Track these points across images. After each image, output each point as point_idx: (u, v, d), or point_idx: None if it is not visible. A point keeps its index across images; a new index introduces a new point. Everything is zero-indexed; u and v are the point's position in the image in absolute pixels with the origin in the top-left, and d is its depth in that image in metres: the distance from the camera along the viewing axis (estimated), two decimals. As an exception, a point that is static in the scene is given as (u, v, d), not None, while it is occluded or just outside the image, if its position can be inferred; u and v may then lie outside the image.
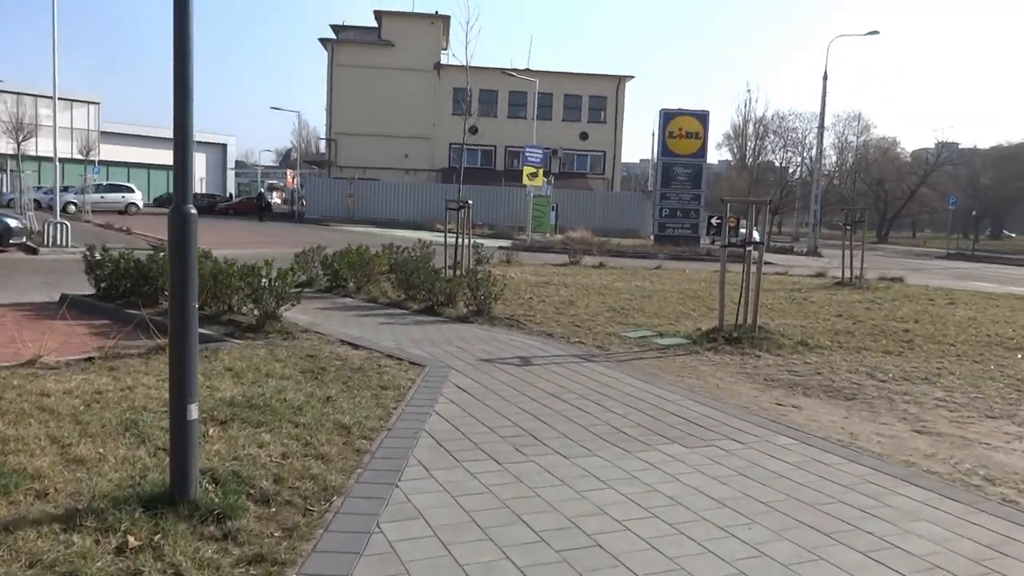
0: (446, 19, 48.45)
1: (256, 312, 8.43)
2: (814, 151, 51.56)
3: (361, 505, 3.69)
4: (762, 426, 5.43)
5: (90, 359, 6.45)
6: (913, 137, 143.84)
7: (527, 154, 31.55)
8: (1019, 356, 8.72)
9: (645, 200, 42.82)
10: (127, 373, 5.94)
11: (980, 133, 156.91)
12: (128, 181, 50.69)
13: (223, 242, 22.18)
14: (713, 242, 31.84)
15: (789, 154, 71.44)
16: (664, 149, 32.13)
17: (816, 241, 37.10)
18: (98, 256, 10.38)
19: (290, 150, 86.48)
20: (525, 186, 32.26)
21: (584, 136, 51.55)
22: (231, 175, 76.16)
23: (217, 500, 3.43)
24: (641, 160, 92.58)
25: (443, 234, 12.99)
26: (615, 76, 51.79)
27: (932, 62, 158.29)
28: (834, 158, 69.80)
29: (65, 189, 40.74)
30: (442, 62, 49.85)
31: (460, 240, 12.28)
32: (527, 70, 46.15)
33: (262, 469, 3.99)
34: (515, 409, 5.61)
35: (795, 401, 6.36)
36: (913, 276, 20.41)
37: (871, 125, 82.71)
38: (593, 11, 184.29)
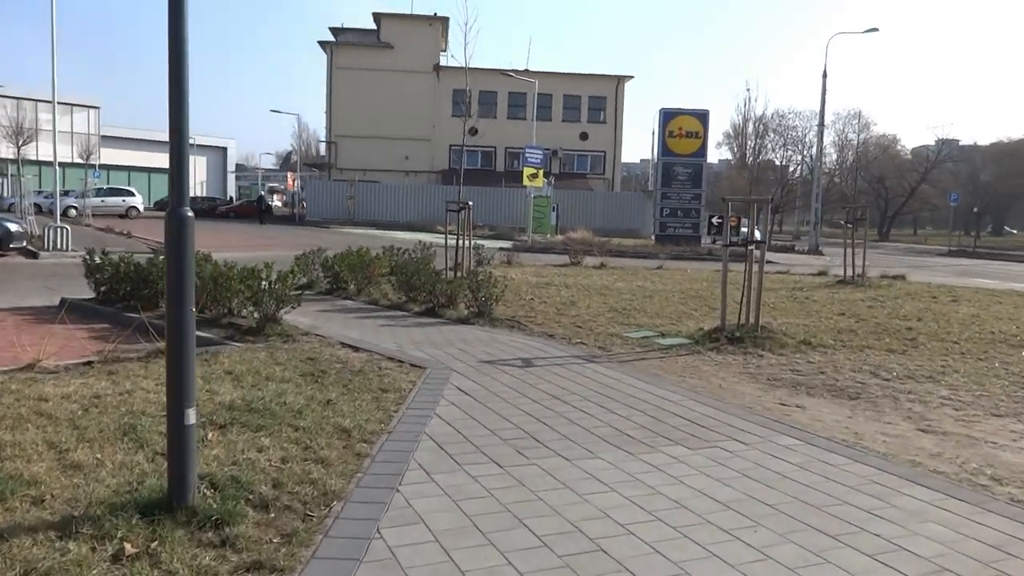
0: (445, 21, 48.48)
1: (256, 315, 8.39)
2: (814, 149, 51.52)
3: (361, 510, 3.65)
4: (766, 426, 5.39)
5: (89, 363, 6.41)
6: (913, 134, 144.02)
7: (527, 155, 31.52)
8: (1023, 353, 8.67)
9: (646, 200, 42.77)
10: (126, 377, 5.91)
11: (980, 130, 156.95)
12: (129, 185, 50.71)
13: (223, 245, 22.16)
14: (714, 241, 31.77)
15: (789, 152, 71.44)
16: (664, 149, 32.08)
17: (817, 239, 37.06)
18: (98, 260, 10.36)
19: (290, 153, 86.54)
20: (525, 187, 32.22)
21: (584, 136, 51.51)
22: (231, 178, 76.17)
23: (215, 506, 3.39)
24: (641, 160, 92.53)
25: (444, 236, 12.95)
26: (614, 76, 51.75)
27: (931, 59, 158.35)
28: (834, 156, 69.78)
29: (66, 193, 40.77)
30: (441, 64, 49.84)
31: (461, 242, 12.25)
32: (526, 71, 46.11)
33: (261, 474, 3.95)
34: (516, 411, 5.57)
35: (799, 401, 6.32)
36: (915, 273, 20.36)
37: (871, 123, 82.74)
38: (592, 11, 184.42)
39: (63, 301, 10.23)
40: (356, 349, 7.55)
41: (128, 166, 61.66)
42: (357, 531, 3.41)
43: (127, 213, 41.60)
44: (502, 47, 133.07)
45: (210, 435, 4.47)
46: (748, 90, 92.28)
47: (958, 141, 75.90)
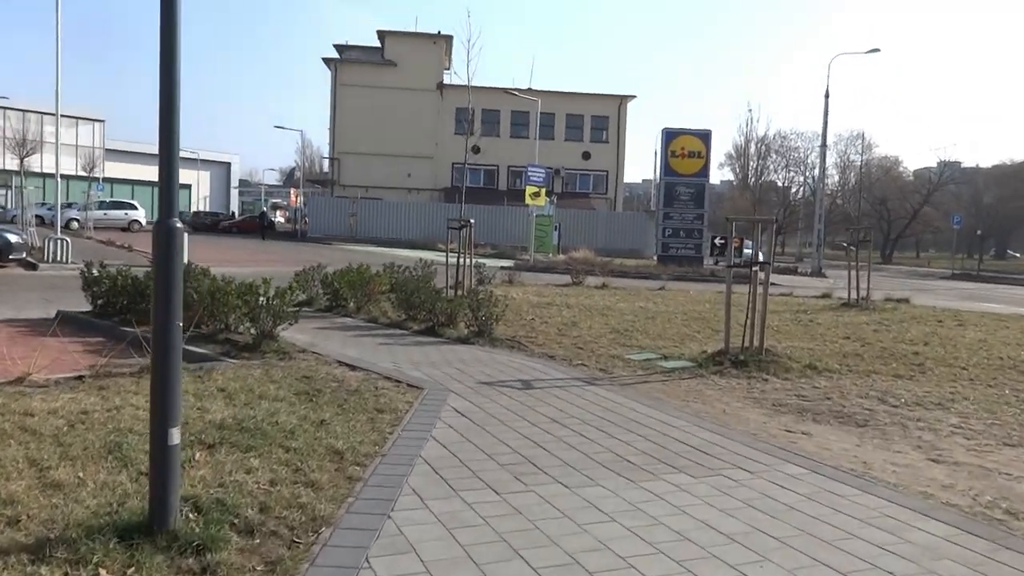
0: (449, 39, 48.72)
1: (253, 331, 8.27)
2: (816, 170, 51.54)
3: (350, 537, 3.50)
4: (771, 454, 5.23)
5: (80, 377, 6.28)
6: (915, 156, 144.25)
7: (529, 173, 31.54)
8: (1033, 381, 8.51)
9: (648, 220, 42.76)
10: (116, 393, 5.77)
11: (982, 152, 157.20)
12: (132, 198, 50.80)
13: (224, 260, 22.08)
14: (716, 262, 31.67)
15: (791, 173, 71.46)
16: (667, 168, 32.06)
17: (820, 261, 36.95)
18: (95, 272, 10.27)
19: (294, 169, 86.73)
20: (527, 206, 32.19)
21: (586, 156, 51.63)
22: (235, 194, 76.38)
23: (198, 530, 3.24)
24: (643, 180, 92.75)
25: (445, 254, 12.85)
26: (617, 96, 51.97)
27: (933, 81, 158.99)
28: (836, 177, 69.85)
29: (69, 206, 40.87)
30: (445, 82, 50.05)
31: (462, 260, 12.14)
32: (529, 90, 46.30)
33: (248, 497, 3.80)
34: (515, 435, 5.42)
35: (805, 427, 6.16)
36: (919, 297, 20.20)
37: (873, 144, 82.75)
38: (593, 15, 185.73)
39: (59, 314, 10.12)
40: (353, 368, 7.42)
41: (132, 180, 61.85)
42: (345, 559, 3.26)
43: (129, 226, 41.60)
44: (505, 67, 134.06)
45: (197, 455, 4.33)
46: (750, 110, 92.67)
47: (960, 163, 76.01)
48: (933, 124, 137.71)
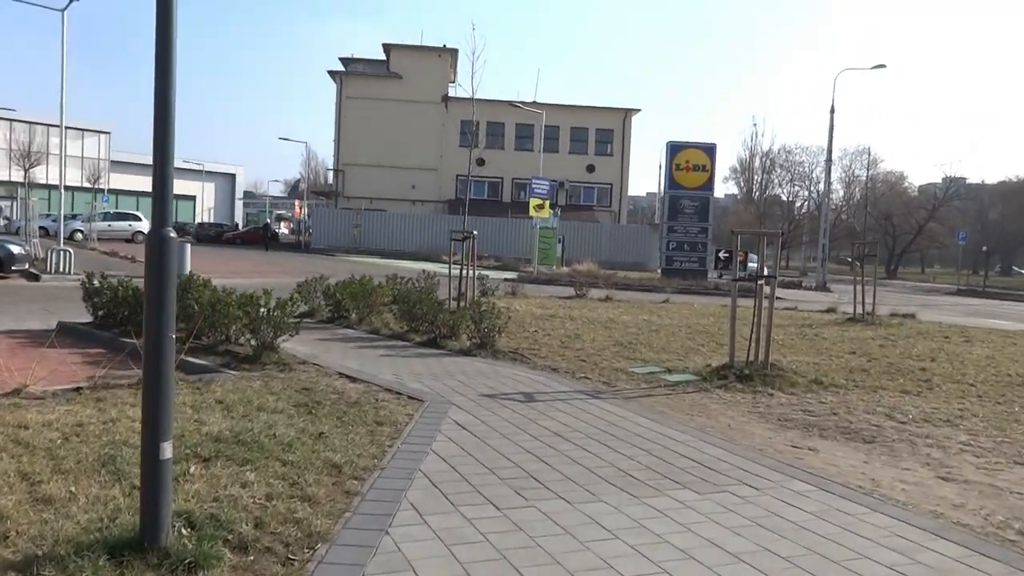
0: (454, 52, 48.90)
1: (253, 343, 8.20)
2: (821, 185, 51.44)
3: (346, 554, 3.41)
4: (778, 470, 5.13)
5: (77, 389, 6.22)
6: (920, 171, 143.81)
7: (534, 186, 31.54)
8: (1042, 397, 8.39)
9: (652, 233, 42.71)
10: (113, 405, 5.70)
11: (988, 168, 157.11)
12: (137, 210, 50.88)
13: (227, 270, 22.07)
14: (720, 276, 31.56)
15: (796, 188, 71.34)
16: (671, 182, 32.03)
17: (825, 275, 36.80)
18: (96, 283, 10.22)
19: (298, 180, 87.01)
20: (531, 218, 32.17)
21: (591, 168, 51.66)
22: (239, 205, 76.56)
23: (190, 547, 3.16)
24: (648, 193, 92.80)
25: (448, 265, 12.79)
26: (622, 109, 52.05)
27: (939, 96, 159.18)
28: (841, 192, 69.69)
29: (73, 217, 40.96)
30: (450, 94, 50.20)
31: (465, 271, 12.07)
32: (534, 102, 46.40)
33: (243, 512, 3.71)
34: (516, 449, 5.34)
35: (811, 443, 6.06)
36: (925, 312, 20.06)
37: (878, 159, 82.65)
38: (599, 41, 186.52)
39: (59, 325, 10.07)
40: (353, 380, 7.34)
41: (137, 191, 62.00)
42: (341, 578, 3.18)
43: (133, 238, 41.62)
44: (510, 80, 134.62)
45: (192, 468, 4.25)
46: (755, 125, 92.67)
47: (965, 179, 75.83)
48: (938, 140, 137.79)
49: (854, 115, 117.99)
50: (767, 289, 8.86)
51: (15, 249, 18.47)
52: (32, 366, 6.32)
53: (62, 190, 21.15)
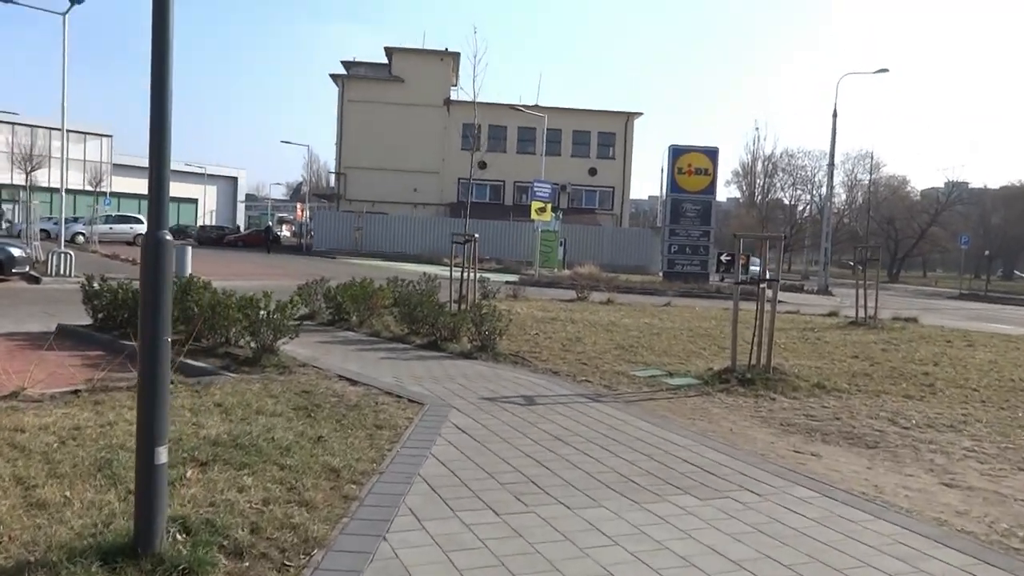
0: (456, 56, 48.95)
1: (253, 345, 8.17)
2: (823, 189, 51.40)
3: (343, 560, 3.37)
4: (780, 476, 5.09)
5: (76, 392, 6.19)
6: (923, 176, 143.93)
7: (535, 189, 31.51)
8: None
9: (654, 236, 42.67)
10: (111, 408, 5.67)
11: (990, 173, 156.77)
12: (139, 212, 50.89)
13: (228, 273, 22.05)
14: (722, 279, 31.49)
15: (798, 192, 71.30)
16: (673, 185, 32.00)
17: (827, 279, 36.72)
18: (96, 286, 10.19)
19: (301, 183, 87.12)
20: (533, 221, 32.14)
21: (593, 172, 51.63)
22: (241, 208, 76.60)
23: (185, 553, 3.12)
24: (649, 196, 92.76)
25: (449, 268, 12.76)
26: (624, 112, 52.03)
27: (942, 101, 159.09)
28: (844, 196, 69.59)
29: (75, 220, 40.96)
30: (452, 98, 50.22)
31: (466, 274, 12.04)
32: (536, 106, 46.40)
33: (239, 517, 3.68)
34: (517, 453, 5.30)
35: (814, 448, 6.01)
36: (927, 316, 20.00)
37: (880, 163, 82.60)
38: (601, 44, 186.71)
39: (58, 327, 10.05)
40: (354, 383, 7.31)
41: (139, 194, 61.90)
42: (337, 585, 3.14)
43: (135, 240, 41.59)
44: (512, 83, 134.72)
45: (189, 473, 4.21)
46: (757, 129, 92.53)
47: (968, 184, 75.72)
48: (941, 144, 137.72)
49: (857, 119, 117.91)
50: (769, 293, 8.82)
51: (15, 252, 18.46)
52: (30, 369, 6.29)
53: (63, 193, 21.15)
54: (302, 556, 3.37)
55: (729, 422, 6.75)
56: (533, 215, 31.07)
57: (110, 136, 57.01)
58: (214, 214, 69.35)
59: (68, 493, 3.82)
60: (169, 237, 3.11)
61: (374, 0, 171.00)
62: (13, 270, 18.14)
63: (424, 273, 14.36)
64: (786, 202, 71.74)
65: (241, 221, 72.83)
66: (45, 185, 39.52)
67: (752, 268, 28.92)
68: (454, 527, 3.86)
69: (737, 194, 78.63)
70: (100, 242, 34.89)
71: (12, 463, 4.27)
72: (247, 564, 3.24)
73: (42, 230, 29.08)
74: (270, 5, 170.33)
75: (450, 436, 5.62)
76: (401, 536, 3.69)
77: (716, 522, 4.16)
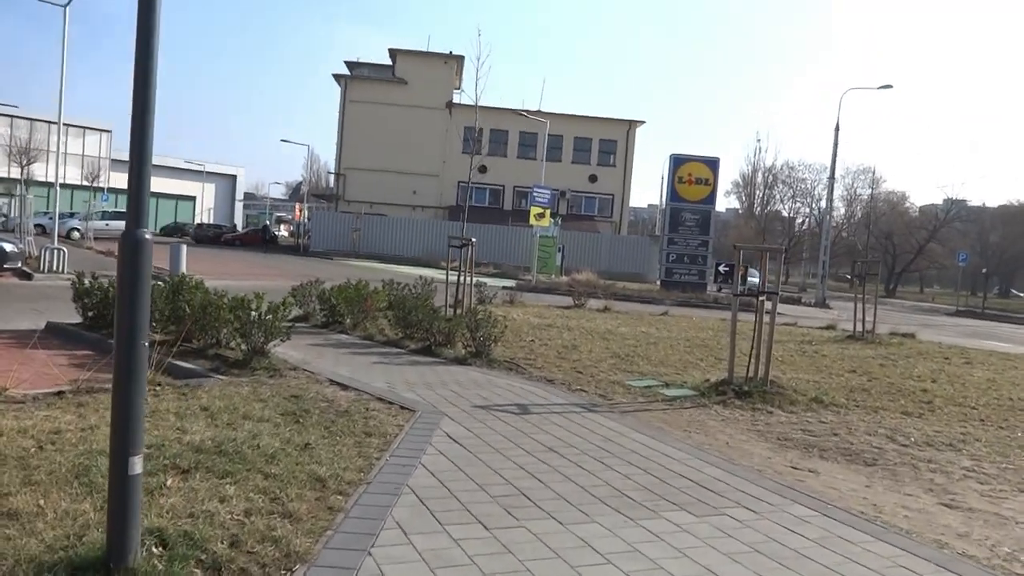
0: (460, 59, 48.88)
1: (244, 347, 8.04)
2: (823, 202, 51.35)
3: (325, 577, 3.25)
4: (777, 493, 4.97)
5: (59, 393, 6.05)
6: (922, 192, 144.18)
7: (535, 194, 31.41)
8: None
9: (652, 245, 42.60)
10: (94, 410, 5.54)
11: (989, 191, 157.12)
12: (137, 209, 50.71)
13: (223, 272, 21.93)
14: (719, 289, 31.42)
15: (798, 204, 71.29)
16: (673, 194, 31.94)
17: (824, 292, 36.67)
18: (87, 283, 10.05)
19: (300, 183, 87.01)
20: (532, 226, 32.05)
21: (593, 179, 51.58)
22: (239, 206, 76.39)
23: (160, 567, 3.00)
24: (649, 205, 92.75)
25: (446, 272, 12.64)
26: (626, 120, 51.99)
27: (942, 119, 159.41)
28: (843, 210, 69.60)
29: (71, 215, 40.79)
30: (454, 101, 50.17)
31: (462, 279, 11.93)
32: (538, 111, 46.33)
33: (219, 529, 3.55)
34: (509, 464, 5.18)
35: (811, 464, 5.90)
36: (924, 332, 19.91)
37: (880, 179, 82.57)
38: (605, 51, 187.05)
39: (47, 325, 9.91)
40: (345, 387, 7.18)
41: (138, 190, 61.86)
42: (318, 603, 3.02)
43: (132, 237, 41.43)
44: (515, 89, 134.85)
45: (170, 481, 4.08)
46: (758, 140, 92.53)
47: (966, 201, 75.74)
48: (940, 163, 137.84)
49: (858, 133, 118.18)
50: (769, 305, 8.72)
51: (8, 247, 18.29)
52: (16, 368, 6.16)
53: (57, 188, 20.98)
54: (283, 571, 3.24)
55: (726, 435, 6.63)
56: (532, 220, 30.98)
57: (109, 131, 56.80)
58: (212, 212, 69.14)
59: (42, 502, 3.68)
60: (148, 236, 2.99)
61: (387, 3, 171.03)
62: (5, 266, 17.97)
63: (420, 276, 14.24)
64: (785, 214, 71.73)
65: (239, 220, 72.58)
66: (42, 179, 39.36)
67: (751, 279, 28.90)
68: (442, 542, 3.74)
69: (736, 205, 78.71)
70: (96, 238, 34.69)
71: (-14, 468, 4.14)
72: (225, 579, 3.12)
73: (37, 225, 28.92)
74: (275, 5, 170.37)
75: (441, 445, 5.50)
76: (386, 551, 3.57)
77: (712, 541, 4.05)
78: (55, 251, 19.40)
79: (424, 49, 51.61)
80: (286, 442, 5.09)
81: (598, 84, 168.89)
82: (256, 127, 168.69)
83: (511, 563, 3.57)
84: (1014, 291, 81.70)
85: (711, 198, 32.23)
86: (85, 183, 39.86)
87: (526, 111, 44.62)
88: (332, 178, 57.93)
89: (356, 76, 52.25)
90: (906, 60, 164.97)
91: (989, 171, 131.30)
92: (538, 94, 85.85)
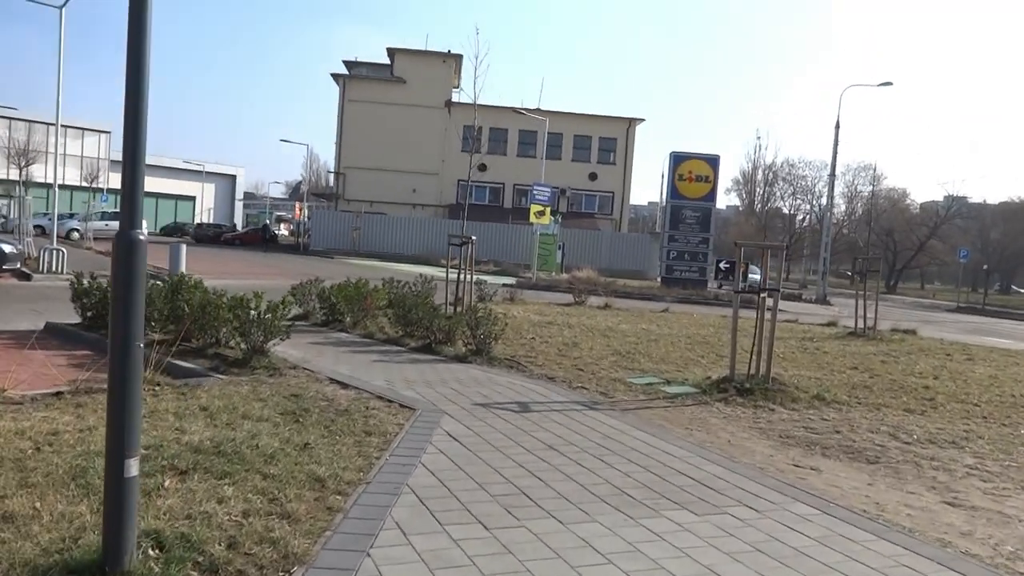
0: (458, 58, 48.82)
1: (243, 346, 8.02)
2: (823, 199, 51.30)
3: (324, 579, 3.22)
4: (779, 491, 4.94)
5: (58, 394, 6.03)
6: (922, 189, 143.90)
7: (535, 192, 31.38)
8: (1048, 418, 8.20)
9: (652, 242, 42.56)
10: (92, 411, 5.51)
11: (990, 188, 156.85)
12: (136, 209, 50.67)
13: (223, 271, 21.91)
14: (720, 286, 31.39)
15: (798, 201, 71.21)
16: (674, 191, 31.92)
17: (825, 289, 36.63)
18: (86, 283, 10.02)
19: (300, 183, 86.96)
20: (532, 224, 32.01)
21: (593, 176, 51.51)
22: (239, 206, 76.37)
23: (156, 570, 2.97)
24: (649, 202, 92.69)
25: (446, 270, 12.62)
26: (626, 118, 51.91)
27: (942, 115, 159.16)
28: (843, 207, 69.55)
29: (70, 216, 40.73)
30: (453, 100, 50.10)
31: (462, 276, 11.90)
32: (538, 110, 46.28)
33: (217, 530, 3.52)
34: (509, 463, 5.15)
35: (813, 462, 5.87)
36: (925, 328, 19.88)
37: (881, 176, 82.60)
38: (605, 49, 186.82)
39: (46, 326, 9.89)
40: (345, 386, 7.16)
41: (138, 191, 61.81)
42: (316, 605, 2.99)
43: (131, 237, 41.39)
44: (515, 87, 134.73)
45: (167, 482, 4.05)
46: (759, 138, 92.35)
47: (967, 198, 75.67)
48: (941, 159, 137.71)
49: (858, 130, 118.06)
50: (770, 302, 8.68)
51: (7, 248, 18.27)
52: (14, 369, 6.13)
53: (56, 189, 20.94)
54: (281, 573, 3.21)
55: (727, 433, 6.60)
56: (532, 218, 30.95)
57: (108, 132, 56.74)
58: (212, 212, 69.12)
59: (38, 505, 3.65)
60: (143, 237, 2.96)
61: (386, 2, 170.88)
62: (4, 266, 17.95)
63: (420, 275, 14.22)
64: (785, 211, 71.66)
65: (239, 219, 72.55)
66: (41, 181, 39.32)
67: (752, 276, 28.84)
68: (441, 542, 3.72)
69: (737, 202, 78.62)
70: (95, 239, 34.65)
71: (-17, 470, 4.11)
72: (222, 582, 3.09)
73: (37, 226, 28.89)
74: (275, 4, 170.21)
75: (441, 444, 5.47)
76: (385, 552, 3.54)
77: (714, 540, 4.02)
78: (54, 252, 19.38)
79: (422, 48, 51.57)
80: (285, 442, 5.06)
81: (598, 84, 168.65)
82: (256, 127, 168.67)
83: (511, 563, 3.54)
84: (1015, 287, 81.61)
85: (711, 195, 32.20)
86: (84, 184, 39.79)
87: (525, 109, 44.57)
88: (332, 177, 57.92)
89: (355, 75, 52.19)
90: (906, 60, 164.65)
91: (989, 171, 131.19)
92: (537, 93, 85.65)
